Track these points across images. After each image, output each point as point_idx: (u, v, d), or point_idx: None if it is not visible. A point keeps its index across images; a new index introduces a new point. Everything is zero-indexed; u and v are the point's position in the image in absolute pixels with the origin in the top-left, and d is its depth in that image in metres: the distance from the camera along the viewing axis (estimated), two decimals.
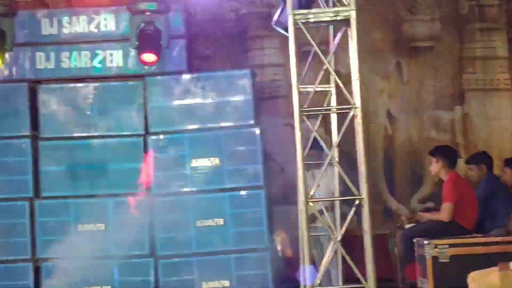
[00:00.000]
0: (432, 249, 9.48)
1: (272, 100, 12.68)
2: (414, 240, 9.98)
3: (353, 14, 8.91)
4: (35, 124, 11.54)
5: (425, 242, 9.53)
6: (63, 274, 11.11)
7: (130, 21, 11.07)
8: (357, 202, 8.96)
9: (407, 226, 10.82)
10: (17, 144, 11.44)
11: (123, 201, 11.30)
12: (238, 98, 11.51)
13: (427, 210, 11.44)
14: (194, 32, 12.60)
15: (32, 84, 11.62)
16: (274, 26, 10.81)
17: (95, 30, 11.80)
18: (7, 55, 11.28)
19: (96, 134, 11.57)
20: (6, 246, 11.31)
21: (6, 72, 11.67)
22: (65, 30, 11.78)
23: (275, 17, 10.64)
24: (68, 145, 11.53)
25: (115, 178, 11.39)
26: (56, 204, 11.39)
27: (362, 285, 8.86)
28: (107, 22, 11.78)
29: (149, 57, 11.16)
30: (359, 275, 8.89)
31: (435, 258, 9.53)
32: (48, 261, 11.29)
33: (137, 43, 10.93)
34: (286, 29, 9.61)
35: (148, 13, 10.97)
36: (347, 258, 8.97)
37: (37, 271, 11.31)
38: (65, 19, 11.78)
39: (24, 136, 11.48)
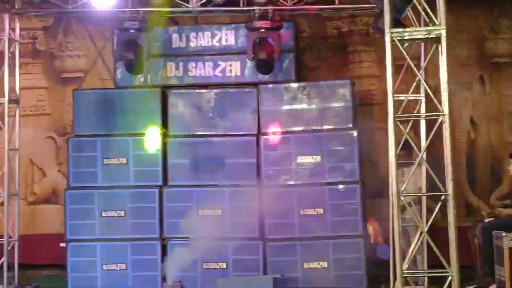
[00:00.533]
0: (509, 241, 9.32)
1: (368, 107, 12.62)
2: (493, 233, 9.83)
3: (443, 33, 8.88)
4: (165, 123, 11.80)
5: (503, 234, 9.38)
6: (186, 251, 11.33)
7: (247, 36, 11.18)
8: (443, 197, 8.92)
9: (487, 220, 10.65)
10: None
11: (237, 191, 11.45)
12: (338, 104, 11.56)
13: (505, 206, 11.22)
14: (302, 46, 12.66)
15: (163, 89, 11.87)
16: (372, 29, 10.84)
17: (217, 44, 12.03)
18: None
19: (216, 133, 11.76)
20: (139, 226, 11.60)
21: (142, 79, 11.98)
22: (192, 44, 12.05)
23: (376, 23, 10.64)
24: (192, 142, 11.75)
25: (231, 171, 11.56)
26: (181, 191, 11.63)
27: (446, 271, 8.82)
28: (227, 37, 12.00)
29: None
30: (443, 262, 8.85)
31: (511, 249, 9.38)
32: (173, 240, 11.55)
33: (253, 55, 11.01)
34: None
35: (263, 30, 11.06)
36: (433, 246, 8.92)
37: (163, 248, 11.56)
38: (192, 34, 12.05)
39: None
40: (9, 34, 11.50)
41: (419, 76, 9.40)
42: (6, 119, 11.43)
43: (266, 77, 11.73)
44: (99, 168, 11.73)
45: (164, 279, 11.20)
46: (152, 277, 11.49)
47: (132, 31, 11.08)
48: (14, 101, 11.70)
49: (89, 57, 13.27)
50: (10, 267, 11.42)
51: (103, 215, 11.64)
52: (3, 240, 11.33)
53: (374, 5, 10.80)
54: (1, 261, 11.30)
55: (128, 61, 11.20)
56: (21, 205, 12.31)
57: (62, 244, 11.78)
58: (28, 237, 12.43)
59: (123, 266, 11.55)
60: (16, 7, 11.44)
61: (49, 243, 12.63)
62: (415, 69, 9.32)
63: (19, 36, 11.92)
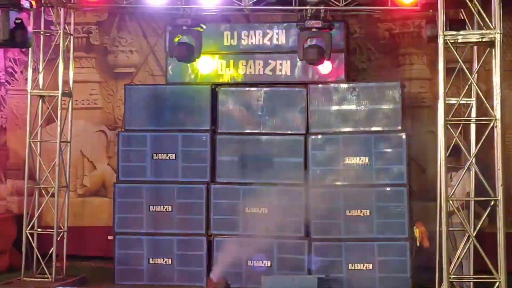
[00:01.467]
0: None
1: (418, 109, 12.50)
2: None
3: (498, 37, 8.78)
4: (214, 120, 11.80)
5: None
6: (232, 248, 11.33)
7: (298, 36, 11.11)
8: (492, 203, 8.80)
9: None
10: (199, 137, 11.72)
11: (284, 190, 11.39)
12: (388, 106, 11.45)
13: None
14: (352, 47, 12.58)
15: (213, 86, 11.87)
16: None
17: (268, 43, 11.98)
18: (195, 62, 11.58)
19: (264, 131, 11.71)
20: (186, 222, 11.62)
21: (193, 76, 12.00)
22: (243, 42, 12.01)
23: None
24: (241, 140, 11.72)
25: (278, 170, 11.49)
26: (228, 188, 11.61)
27: (493, 276, 8.69)
28: (278, 36, 11.94)
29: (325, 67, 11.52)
30: (491, 267, 8.74)
31: None
32: (219, 236, 11.55)
33: (304, 55, 10.95)
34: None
35: (314, 30, 10.97)
36: (481, 252, 8.80)
37: (209, 244, 11.57)
38: (244, 32, 12.01)
39: (204, 130, 11.75)
40: (64, 28, 11.60)
41: (472, 80, 9.29)
42: (59, 111, 11.55)
43: (316, 77, 11.66)
44: (148, 163, 11.77)
45: (209, 274, 11.24)
46: (197, 272, 11.51)
47: (185, 28, 11.09)
48: (67, 94, 11.82)
49: (141, 53, 13.40)
50: (59, 258, 11.54)
51: (150, 209, 11.69)
52: (53, 231, 11.45)
53: None
54: (50, 251, 11.42)
55: (180, 58, 11.19)
56: (71, 196, 12.45)
57: (110, 237, 11.87)
58: (77, 228, 12.56)
59: (169, 261, 11.59)
60: (72, 2, 11.54)
61: (97, 235, 12.76)
62: (467, 72, 9.20)
63: (74, 31, 12.03)
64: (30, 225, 11.62)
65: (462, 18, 10.24)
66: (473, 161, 9.39)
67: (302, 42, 11.01)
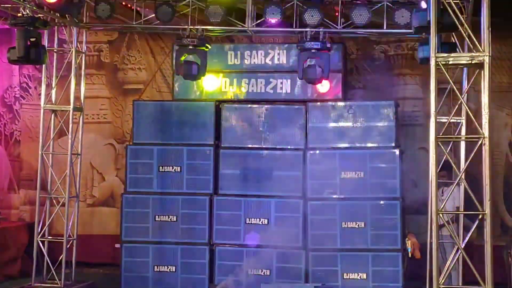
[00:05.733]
0: None
1: (411, 127, 12.59)
2: None
3: (487, 59, 8.81)
4: (217, 135, 11.87)
5: None
6: (232, 258, 11.39)
7: (298, 56, 11.21)
8: (480, 216, 8.84)
9: None
10: (203, 151, 11.80)
11: (283, 202, 11.47)
12: (382, 123, 11.53)
13: None
14: (349, 68, 12.69)
15: (217, 103, 11.96)
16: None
17: (270, 62, 12.09)
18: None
19: (265, 146, 11.79)
20: (189, 231, 11.68)
21: (198, 93, 12.09)
22: (246, 61, 12.13)
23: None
24: (243, 154, 11.78)
25: (278, 183, 11.56)
26: (230, 200, 11.67)
27: (481, 287, 8.72)
28: (279, 56, 12.06)
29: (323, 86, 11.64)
30: (479, 278, 8.75)
31: None
32: (221, 246, 11.59)
33: (303, 74, 11.04)
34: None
35: (314, 50, 11.07)
36: (470, 263, 8.83)
37: (212, 253, 11.62)
38: (247, 52, 12.14)
39: (208, 145, 11.83)
40: (77, 47, 11.71)
41: (462, 100, 9.36)
42: (71, 125, 11.64)
43: (315, 95, 11.76)
44: (155, 175, 11.83)
45: (211, 282, 11.29)
46: (199, 279, 11.56)
47: (191, 47, 11.19)
48: (79, 109, 11.92)
49: (150, 70, 13.51)
50: (68, 264, 11.59)
51: (156, 219, 11.74)
52: (63, 239, 11.51)
53: None
54: (60, 258, 11.47)
55: (186, 76, 11.27)
56: (81, 206, 12.51)
57: (117, 245, 11.92)
58: (85, 236, 12.61)
59: (173, 268, 11.63)
60: (84, 22, 11.65)
61: (105, 243, 12.81)
62: (457, 92, 9.28)
63: (86, 49, 12.13)
64: (41, 233, 11.68)
65: (453, 41, 10.34)
66: (463, 176, 9.44)
67: (302, 62, 11.11)
